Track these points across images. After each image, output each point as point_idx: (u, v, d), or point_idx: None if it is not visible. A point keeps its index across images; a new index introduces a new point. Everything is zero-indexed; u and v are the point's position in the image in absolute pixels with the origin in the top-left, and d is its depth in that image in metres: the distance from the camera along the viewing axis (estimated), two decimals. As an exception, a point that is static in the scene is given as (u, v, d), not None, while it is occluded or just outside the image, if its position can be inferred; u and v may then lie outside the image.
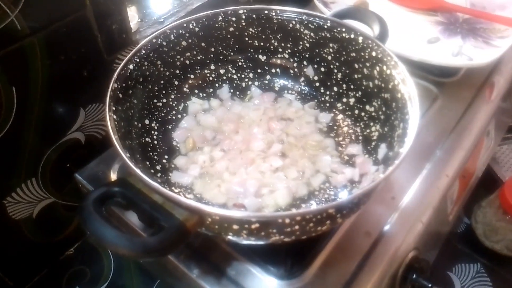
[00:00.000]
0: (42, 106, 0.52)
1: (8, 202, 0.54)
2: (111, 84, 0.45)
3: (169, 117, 0.56)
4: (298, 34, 0.57)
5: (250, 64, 0.61)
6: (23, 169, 0.54)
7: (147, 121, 0.52)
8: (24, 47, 0.47)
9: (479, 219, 0.76)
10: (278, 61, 0.61)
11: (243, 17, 0.57)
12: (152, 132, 0.53)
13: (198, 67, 0.59)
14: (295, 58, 0.60)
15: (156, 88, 0.54)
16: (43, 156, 0.56)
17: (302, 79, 0.61)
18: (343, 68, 0.56)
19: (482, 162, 0.75)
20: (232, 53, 0.60)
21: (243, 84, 0.62)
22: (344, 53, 0.55)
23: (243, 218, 0.35)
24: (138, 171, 0.37)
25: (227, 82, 0.61)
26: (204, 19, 0.55)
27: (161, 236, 0.33)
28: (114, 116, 0.43)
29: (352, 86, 0.56)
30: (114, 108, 0.44)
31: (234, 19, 0.57)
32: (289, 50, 0.60)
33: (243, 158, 0.52)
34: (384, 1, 0.80)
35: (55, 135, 0.56)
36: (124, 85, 0.47)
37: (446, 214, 0.63)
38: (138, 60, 0.50)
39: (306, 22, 0.56)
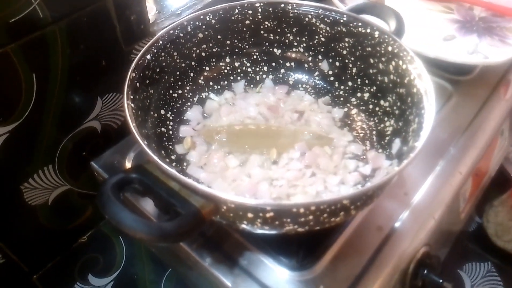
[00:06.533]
0: (61, 94, 0.53)
1: (25, 187, 0.55)
2: (129, 73, 0.45)
3: (184, 108, 0.57)
4: (314, 28, 0.57)
5: (265, 58, 0.61)
6: (40, 155, 0.55)
7: (162, 112, 0.53)
8: (46, 35, 0.47)
9: (491, 219, 0.76)
10: (293, 55, 0.61)
11: (259, 10, 0.57)
12: (168, 122, 0.54)
13: (214, 60, 0.59)
14: (310, 52, 0.60)
15: (172, 79, 0.55)
16: (60, 144, 0.57)
17: (317, 73, 0.61)
18: (358, 63, 0.56)
19: (496, 162, 0.75)
20: (247, 46, 0.60)
21: (258, 78, 0.62)
22: (359, 47, 0.55)
23: (258, 206, 0.36)
24: (155, 158, 0.37)
25: (242, 75, 0.61)
26: (221, 12, 0.56)
27: (177, 221, 0.34)
28: (132, 105, 0.44)
29: (367, 81, 0.56)
30: (131, 97, 0.44)
31: (250, 12, 0.57)
32: (304, 44, 0.60)
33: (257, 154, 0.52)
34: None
35: (73, 123, 0.57)
36: (141, 74, 0.48)
37: (458, 212, 0.62)
38: (155, 50, 0.50)
39: (322, 16, 0.56)
